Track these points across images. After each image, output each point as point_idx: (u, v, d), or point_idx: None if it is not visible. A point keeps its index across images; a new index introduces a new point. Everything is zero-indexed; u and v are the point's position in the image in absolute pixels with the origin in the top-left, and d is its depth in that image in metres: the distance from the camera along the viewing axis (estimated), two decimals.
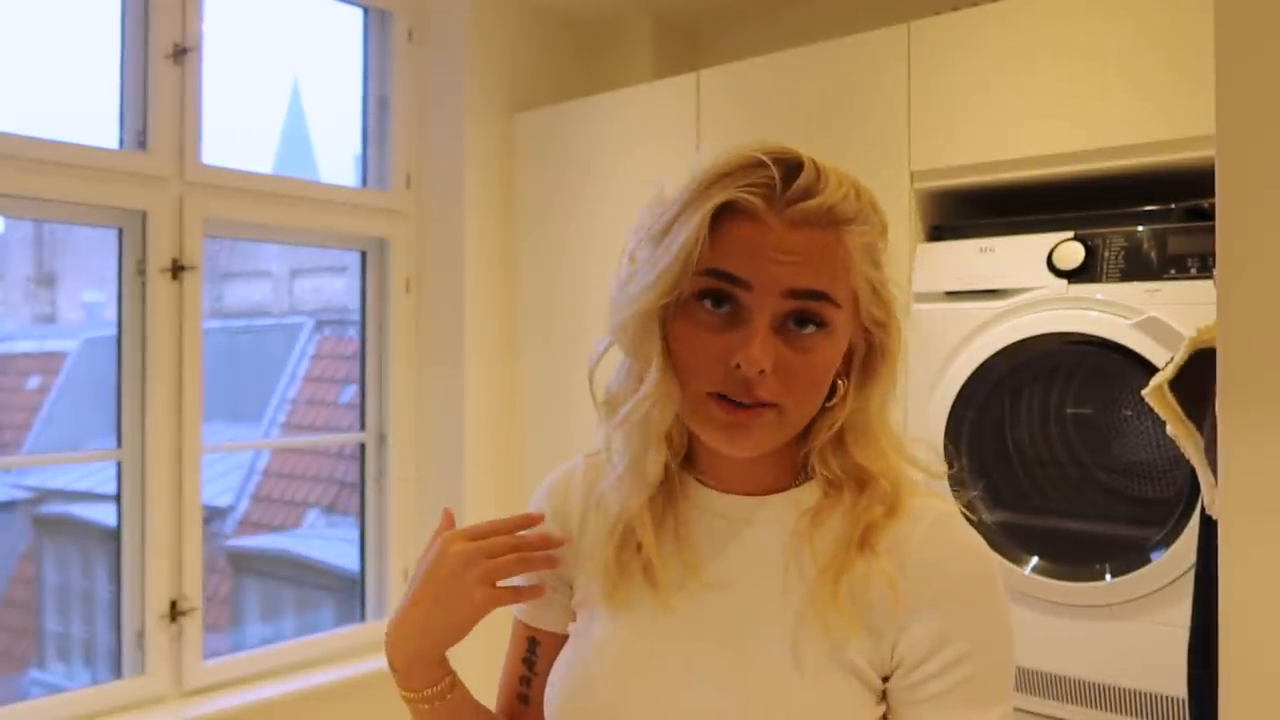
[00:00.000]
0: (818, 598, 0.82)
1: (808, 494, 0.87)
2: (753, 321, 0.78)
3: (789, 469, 0.88)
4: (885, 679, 0.83)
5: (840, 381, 0.84)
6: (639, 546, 0.87)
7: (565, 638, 0.92)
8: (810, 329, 0.80)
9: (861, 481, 0.86)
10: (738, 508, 0.88)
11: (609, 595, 0.87)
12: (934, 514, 0.84)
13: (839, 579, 0.82)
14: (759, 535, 0.87)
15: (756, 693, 0.81)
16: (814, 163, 0.80)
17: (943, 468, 0.89)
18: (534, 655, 0.95)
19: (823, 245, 0.79)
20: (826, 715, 0.81)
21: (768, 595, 0.84)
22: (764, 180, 0.78)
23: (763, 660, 0.82)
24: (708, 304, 0.80)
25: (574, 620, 0.92)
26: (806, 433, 0.86)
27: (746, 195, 0.78)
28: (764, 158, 0.79)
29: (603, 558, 0.88)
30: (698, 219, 0.78)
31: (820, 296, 0.79)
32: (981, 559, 0.84)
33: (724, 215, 0.79)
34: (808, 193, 0.78)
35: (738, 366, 0.78)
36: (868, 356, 0.86)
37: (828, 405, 0.85)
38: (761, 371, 0.78)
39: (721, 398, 0.80)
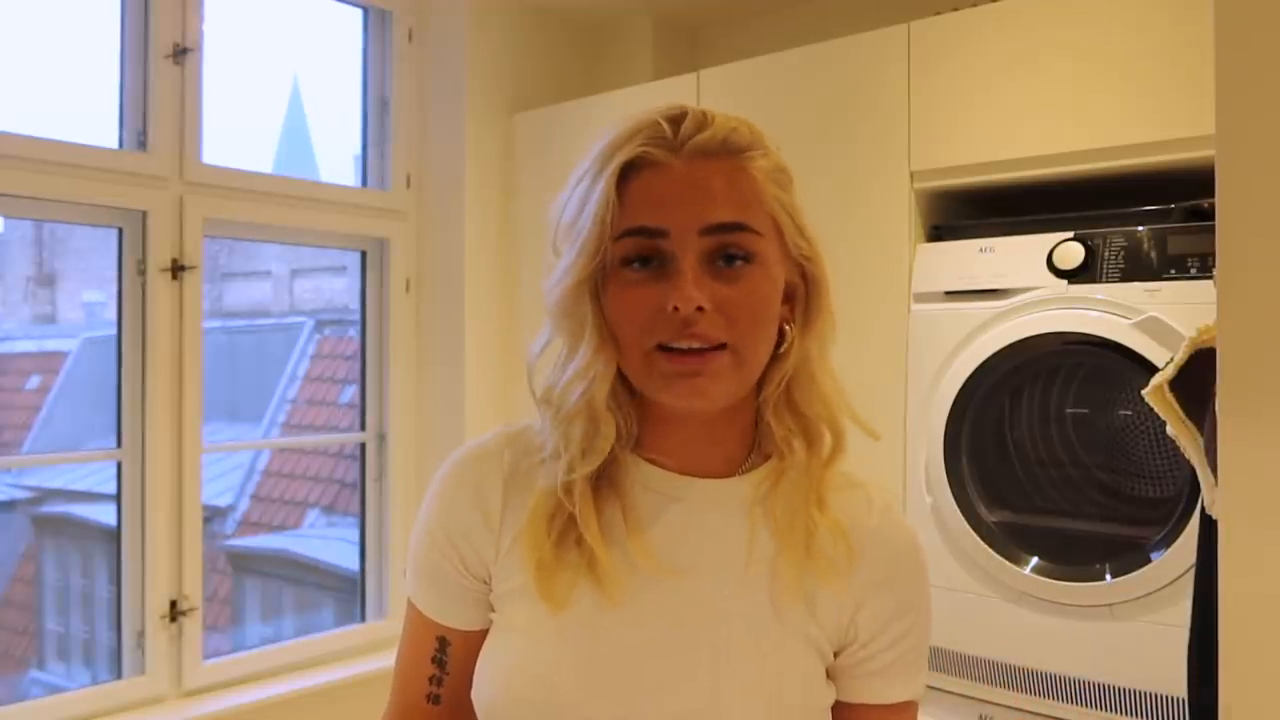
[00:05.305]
0: (788, 553, 0.84)
1: (762, 475, 0.87)
2: (679, 266, 0.79)
3: (742, 442, 0.88)
4: (835, 654, 0.87)
5: (787, 327, 0.85)
6: (579, 539, 0.83)
7: (478, 634, 0.88)
8: (738, 263, 0.80)
9: (809, 437, 0.87)
10: (691, 490, 0.86)
11: (547, 591, 0.83)
12: (882, 498, 0.91)
13: (808, 535, 0.85)
14: (715, 518, 0.86)
15: (729, 679, 0.81)
16: (699, 109, 0.84)
17: (877, 434, 0.89)
18: (444, 655, 0.90)
19: (726, 174, 0.81)
20: (796, 696, 0.84)
21: (729, 578, 0.84)
22: (657, 133, 0.82)
23: (732, 645, 0.82)
24: (635, 265, 0.81)
25: (493, 612, 0.88)
26: (757, 391, 0.86)
27: (644, 149, 0.81)
28: (654, 116, 0.83)
29: (536, 551, 0.84)
30: (605, 181, 0.81)
31: (738, 227, 0.80)
32: (919, 541, 0.92)
33: (630, 176, 0.81)
34: (699, 129, 0.82)
35: (675, 310, 0.78)
36: (807, 297, 0.86)
37: (778, 353, 0.85)
38: (700, 309, 0.78)
39: (668, 349, 0.79)
